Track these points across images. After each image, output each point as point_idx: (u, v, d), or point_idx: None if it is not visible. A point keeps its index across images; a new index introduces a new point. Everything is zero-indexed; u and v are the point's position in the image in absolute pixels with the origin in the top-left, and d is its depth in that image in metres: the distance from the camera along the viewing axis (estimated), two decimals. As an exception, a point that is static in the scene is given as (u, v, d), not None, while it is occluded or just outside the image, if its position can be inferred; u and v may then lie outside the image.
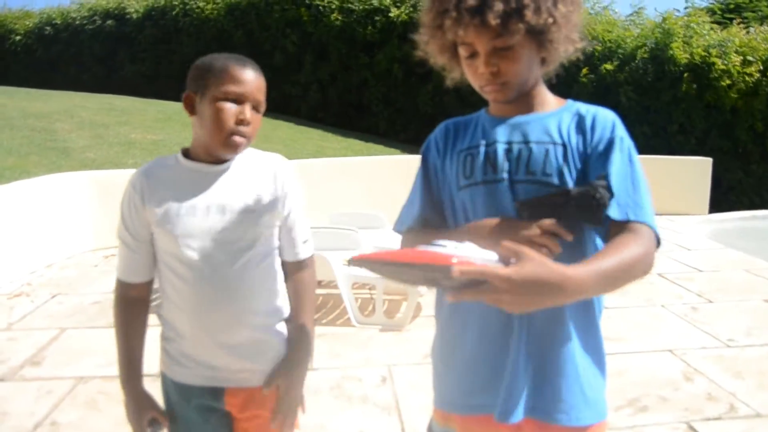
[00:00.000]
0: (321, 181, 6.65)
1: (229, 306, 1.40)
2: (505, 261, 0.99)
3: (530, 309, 0.99)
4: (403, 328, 3.86)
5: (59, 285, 4.70)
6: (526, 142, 1.20)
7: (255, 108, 1.38)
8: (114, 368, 1.53)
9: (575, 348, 1.21)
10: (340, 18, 12.34)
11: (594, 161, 1.18)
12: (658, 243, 1.14)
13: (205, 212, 1.38)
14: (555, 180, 1.16)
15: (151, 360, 1.55)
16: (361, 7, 12.30)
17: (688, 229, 6.98)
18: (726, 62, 9.92)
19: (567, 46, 1.21)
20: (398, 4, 12.08)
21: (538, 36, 1.15)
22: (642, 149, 8.13)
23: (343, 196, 6.46)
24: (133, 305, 1.47)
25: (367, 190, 6.50)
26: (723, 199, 9.45)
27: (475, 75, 1.21)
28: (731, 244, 6.18)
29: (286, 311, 1.53)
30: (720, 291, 4.69)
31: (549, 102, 1.27)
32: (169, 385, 1.50)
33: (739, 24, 11.20)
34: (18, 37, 16.91)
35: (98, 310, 4.13)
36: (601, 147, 1.18)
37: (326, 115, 12.98)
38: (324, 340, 3.69)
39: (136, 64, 14.72)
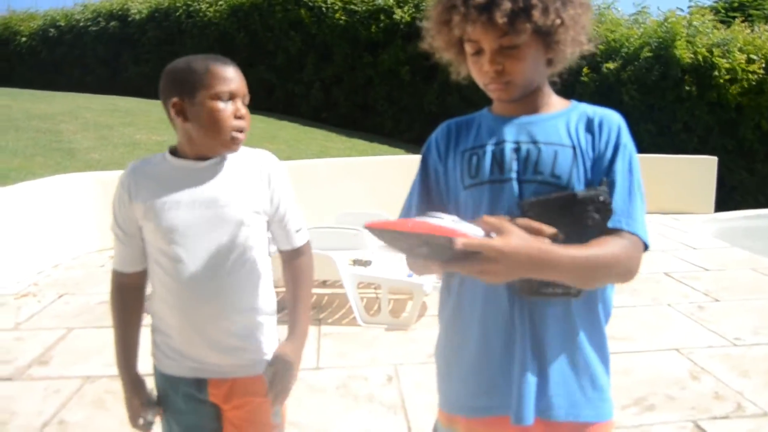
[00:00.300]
0: (325, 182, 6.67)
1: (215, 300, 1.43)
2: (487, 235, 1.03)
3: (507, 280, 1.06)
4: (408, 328, 3.86)
5: (66, 285, 4.71)
6: (535, 142, 1.20)
7: (243, 101, 1.42)
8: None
9: (579, 347, 1.21)
10: (343, 18, 12.36)
11: (597, 165, 1.18)
12: (646, 249, 1.17)
13: (191, 207, 1.40)
14: (564, 182, 1.16)
15: (145, 359, 1.58)
16: (364, 8, 12.31)
17: (693, 228, 6.96)
18: (731, 60, 9.90)
19: (574, 48, 1.20)
20: (401, 5, 12.09)
21: (545, 37, 1.15)
22: (646, 148, 8.13)
23: (348, 196, 6.47)
24: (127, 293, 1.53)
25: (372, 190, 6.50)
26: (728, 197, 9.42)
27: (480, 72, 1.20)
28: (737, 242, 6.16)
29: (272, 307, 1.56)
30: (726, 290, 4.67)
31: (554, 103, 1.26)
32: (158, 377, 1.55)
33: (742, 22, 11.17)
34: (23, 39, 16.98)
35: (105, 310, 4.14)
36: (605, 152, 1.18)
37: (330, 115, 12.99)
38: (330, 339, 3.70)
39: (139, 66, 14.75)
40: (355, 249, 4.29)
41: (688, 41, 10.20)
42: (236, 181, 1.44)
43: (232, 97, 1.38)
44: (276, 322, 1.59)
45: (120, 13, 15.41)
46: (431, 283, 3.84)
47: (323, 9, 12.58)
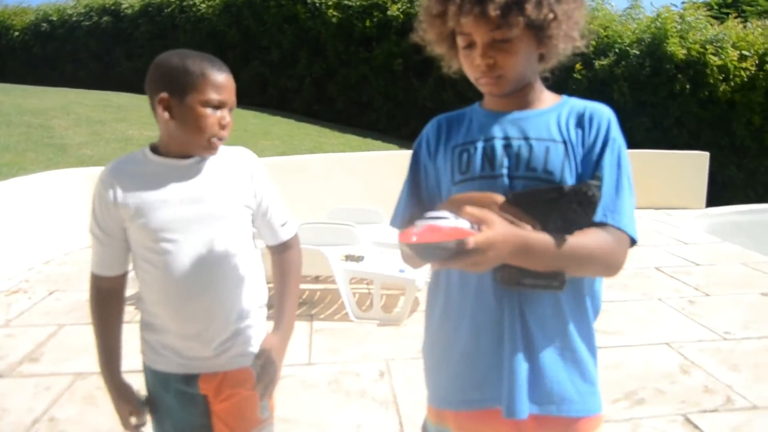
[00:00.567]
0: (319, 177, 6.66)
1: (205, 295, 1.43)
2: (472, 226, 1.03)
3: (490, 267, 1.06)
4: (400, 323, 3.87)
5: (57, 282, 4.69)
6: (526, 138, 1.19)
7: (230, 109, 1.42)
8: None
9: (569, 341, 1.21)
10: (336, 14, 12.32)
11: (586, 160, 1.18)
12: (634, 244, 1.17)
13: (179, 205, 1.40)
14: (557, 178, 1.16)
15: (132, 356, 1.58)
16: (358, 3, 12.29)
17: (685, 223, 6.99)
18: (723, 57, 9.93)
19: (566, 44, 1.20)
20: (396, 0, 12.06)
21: (538, 31, 1.14)
22: (638, 144, 8.14)
23: (341, 191, 6.46)
24: (107, 297, 1.52)
25: (365, 186, 6.50)
26: (719, 193, 9.47)
27: (471, 66, 1.20)
28: (728, 238, 6.20)
29: (262, 300, 1.57)
30: (717, 284, 4.70)
31: (545, 98, 1.26)
32: (148, 374, 1.54)
33: (735, 18, 11.20)
34: (15, 33, 16.87)
35: (96, 307, 4.12)
36: (594, 146, 1.18)
37: (325, 111, 12.98)
38: (322, 335, 3.70)
39: (132, 61, 14.67)
40: (347, 244, 4.29)
41: (681, 37, 10.22)
42: (221, 177, 1.45)
43: (220, 105, 1.38)
44: (266, 316, 1.59)
45: (112, 7, 15.33)
46: (423, 278, 3.84)
47: (317, 4, 12.55)
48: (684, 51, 10.02)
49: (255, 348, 1.52)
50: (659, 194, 7.52)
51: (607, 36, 10.70)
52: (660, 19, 10.54)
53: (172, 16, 14.35)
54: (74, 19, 15.83)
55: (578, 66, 10.19)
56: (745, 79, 10.00)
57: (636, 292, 4.44)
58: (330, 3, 12.46)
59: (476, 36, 1.15)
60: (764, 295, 4.45)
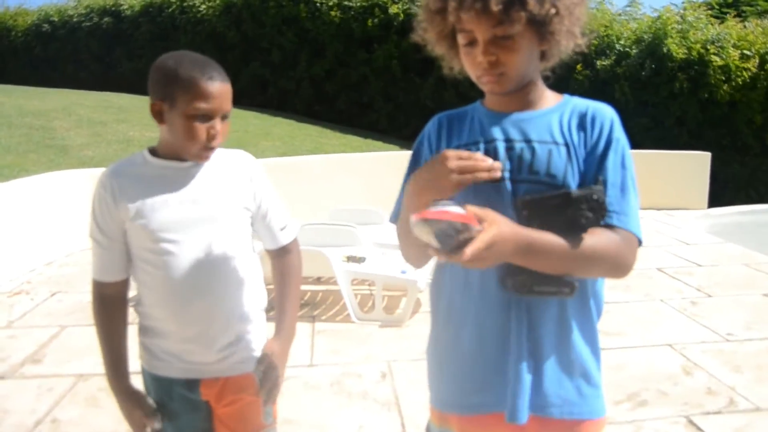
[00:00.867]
0: (320, 178, 6.66)
1: (205, 298, 1.43)
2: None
3: (491, 265, 1.06)
4: (402, 324, 3.86)
5: (59, 283, 4.69)
6: (528, 141, 1.18)
7: (223, 117, 1.39)
8: (114, 366, 1.53)
9: (573, 343, 1.21)
10: (338, 15, 12.32)
11: (590, 161, 1.17)
12: (639, 244, 1.17)
13: (178, 206, 1.40)
14: (559, 181, 1.15)
15: (134, 358, 1.56)
16: (358, 4, 12.28)
17: (687, 223, 6.99)
18: (724, 57, 9.92)
19: (568, 41, 1.19)
20: (396, 0, 12.06)
21: (540, 27, 1.13)
22: (639, 145, 8.13)
23: (342, 192, 6.46)
24: (110, 304, 1.50)
25: (366, 186, 6.50)
26: (721, 193, 9.46)
27: (472, 64, 1.18)
28: (730, 238, 6.19)
29: (263, 304, 1.56)
30: (719, 285, 4.69)
31: (547, 97, 1.25)
32: (148, 380, 1.53)
33: (734, 17, 11.19)
34: (16, 35, 16.87)
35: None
36: (597, 147, 1.17)
37: (325, 112, 12.97)
38: (324, 336, 3.70)
39: (133, 62, 14.67)
40: (349, 245, 4.28)
41: (682, 37, 10.21)
42: (220, 179, 1.45)
43: (210, 114, 1.35)
44: (266, 319, 1.59)
45: (113, 8, 15.34)
46: (425, 279, 3.84)
47: (317, 4, 12.55)
48: (684, 51, 10.01)
49: (257, 353, 1.51)
50: (661, 195, 7.51)
51: (607, 35, 10.70)
52: (661, 20, 10.54)
53: (173, 17, 14.35)
54: (75, 20, 15.83)
55: (579, 66, 10.18)
56: (747, 80, 9.99)
57: (638, 293, 4.44)
58: (331, 3, 12.45)
59: (477, 32, 1.13)
60: (767, 296, 4.44)
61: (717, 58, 9.92)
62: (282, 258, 1.58)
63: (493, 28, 1.11)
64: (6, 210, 4.82)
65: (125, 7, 15.01)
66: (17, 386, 3.08)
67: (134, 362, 1.57)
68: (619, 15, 11.68)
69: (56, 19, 16.33)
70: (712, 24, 10.74)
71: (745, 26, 10.90)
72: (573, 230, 1.10)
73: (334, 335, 3.72)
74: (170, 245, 1.39)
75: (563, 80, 9.76)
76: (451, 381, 1.28)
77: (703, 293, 4.51)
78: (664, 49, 10.03)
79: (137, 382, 1.56)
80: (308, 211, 5.45)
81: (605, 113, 1.20)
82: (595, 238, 1.11)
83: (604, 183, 1.14)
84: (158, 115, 1.37)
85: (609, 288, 1.27)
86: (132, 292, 1.52)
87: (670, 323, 3.93)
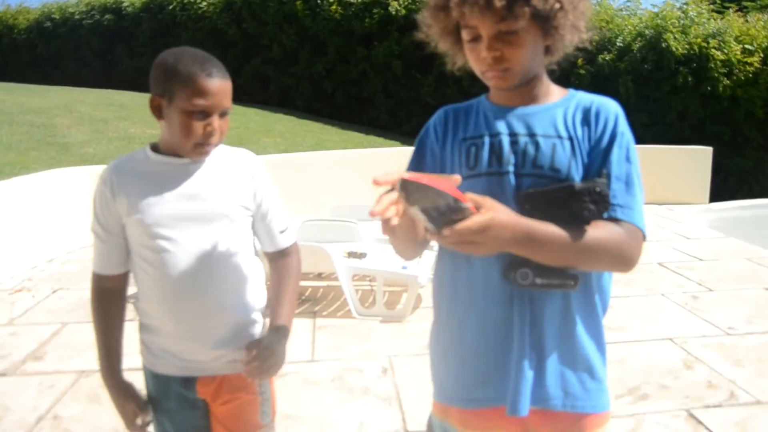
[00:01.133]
0: (321, 174, 6.66)
1: (202, 296, 1.42)
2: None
3: (488, 253, 1.05)
4: (403, 320, 3.87)
5: (60, 280, 4.70)
6: (532, 135, 1.18)
7: (222, 114, 1.38)
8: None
9: (577, 338, 1.21)
10: (339, 11, 12.30)
11: (594, 155, 1.17)
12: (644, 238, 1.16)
13: (175, 202, 1.40)
14: (563, 175, 1.15)
15: (134, 354, 1.57)
16: (359, 0, 12.26)
17: (688, 218, 6.97)
18: (726, 51, 9.89)
19: (572, 35, 1.19)
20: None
21: (544, 22, 1.13)
22: (641, 139, 8.13)
23: (343, 188, 6.44)
24: (108, 297, 1.51)
25: (367, 182, 6.40)
26: (722, 188, 9.45)
27: (477, 60, 1.18)
28: (731, 232, 6.18)
29: (261, 304, 1.55)
30: (720, 279, 4.69)
31: (552, 92, 1.25)
32: (148, 376, 1.54)
33: (736, 12, 11.15)
34: (18, 32, 16.88)
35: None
36: (602, 141, 1.17)
37: (326, 108, 12.96)
38: (325, 332, 3.70)
39: (134, 59, 14.67)
40: (350, 241, 4.29)
41: (683, 32, 10.18)
42: (220, 176, 1.44)
43: (207, 111, 1.34)
44: (265, 320, 1.58)
45: (114, 6, 15.33)
46: (426, 274, 3.84)
47: (318, 1, 12.53)
48: (685, 45, 9.98)
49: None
50: (662, 189, 7.49)
51: (608, 30, 10.67)
52: (660, 16, 10.50)
53: (174, 14, 14.33)
54: (76, 17, 15.81)
55: (580, 61, 10.15)
56: (750, 75, 9.95)
57: (639, 288, 4.44)
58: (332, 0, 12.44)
59: (481, 28, 1.13)
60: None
61: (718, 53, 9.88)
62: (280, 261, 1.56)
63: (497, 24, 1.11)
64: (7, 207, 4.83)
65: (126, 4, 15.00)
66: (19, 383, 3.09)
67: (136, 359, 1.58)
68: (620, 10, 11.65)
69: (57, 17, 16.31)
70: (714, 18, 10.70)
71: (746, 20, 10.85)
72: (576, 223, 1.10)
73: (335, 331, 3.72)
74: (166, 242, 1.39)
75: (564, 76, 9.73)
76: (454, 375, 1.28)
77: (705, 287, 4.50)
78: (665, 44, 10.00)
79: (138, 379, 1.56)
80: (309, 207, 5.45)
81: (610, 108, 1.20)
82: (598, 230, 1.10)
83: (609, 176, 1.14)
84: (157, 111, 1.38)
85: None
86: (133, 290, 1.52)
87: (671, 317, 3.93)
